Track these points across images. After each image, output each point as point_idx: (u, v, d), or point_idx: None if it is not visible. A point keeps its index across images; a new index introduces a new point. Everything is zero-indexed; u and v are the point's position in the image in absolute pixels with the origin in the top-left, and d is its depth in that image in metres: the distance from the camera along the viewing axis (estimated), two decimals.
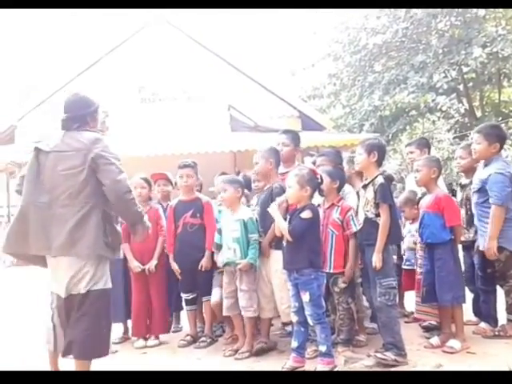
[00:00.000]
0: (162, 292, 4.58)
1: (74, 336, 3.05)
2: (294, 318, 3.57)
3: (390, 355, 3.53)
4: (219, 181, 4.39)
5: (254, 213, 4.06)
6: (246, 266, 3.95)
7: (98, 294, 3.09)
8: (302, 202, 3.55)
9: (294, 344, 3.55)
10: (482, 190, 3.99)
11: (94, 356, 3.11)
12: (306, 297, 3.45)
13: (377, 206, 3.60)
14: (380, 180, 3.62)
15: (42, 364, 3.43)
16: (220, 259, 4.18)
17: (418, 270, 4.20)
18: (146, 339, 4.47)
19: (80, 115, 3.21)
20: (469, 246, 4.30)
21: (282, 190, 3.84)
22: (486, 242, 3.92)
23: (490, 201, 3.89)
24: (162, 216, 4.61)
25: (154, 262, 4.45)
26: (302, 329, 3.56)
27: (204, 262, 4.29)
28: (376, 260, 3.54)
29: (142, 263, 4.45)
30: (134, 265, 4.43)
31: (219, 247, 4.18)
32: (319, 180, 3.60)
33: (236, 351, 4.01)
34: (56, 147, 3.16)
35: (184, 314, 4.89)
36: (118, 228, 3.27)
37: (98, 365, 3.18)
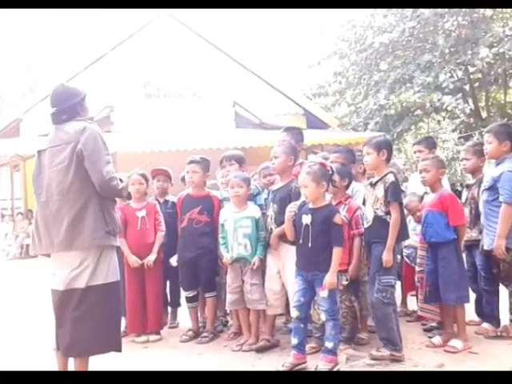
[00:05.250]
0: (158, 288, 4.55)
1: (77, 334, 2.98)
2: (295, 314, 3.53)
3: (385, 351, 3.55)
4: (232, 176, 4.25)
5: (270, 209, 4.00)
6: (258, 261, 4.00)
7: (99, 289, 3.04)
8: (319, 198, 3.52)
9: (294, 341, 3.54)
10: (492, 188, 3.96)
11: (99, 351, 3.07)
12: (324, 292, 3.43)
13: (387, 204, 3.59)
14: (391, 178, 3.60)
15: (42, 363, 3.39)
16: (229, 254, 4.13)
17: (417, 269, 4.19)
18: (146, 334, 4.44)
19: (69, 106, 3.16)
20: (471, 246, 4.27)
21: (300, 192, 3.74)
22: (495, 241, 3.88)
23: (501, 199, 3.87)
24: (160, 211, 4.60)
25: (152, 256, 4.40)
26: (302, 325, 3.54)
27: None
28: (387, 258, 3.52)
29: (139, 258, 4.39)
30: (132, 260, 4.35)
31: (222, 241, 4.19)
32: (331, 171, 3.57)
33: (242, 345, 4.04)
34: (50, 143, 3.14)
35: (180, 311, 4.91)
36: (116, 215, 3.23)
37: (101, 360, 3.15)
